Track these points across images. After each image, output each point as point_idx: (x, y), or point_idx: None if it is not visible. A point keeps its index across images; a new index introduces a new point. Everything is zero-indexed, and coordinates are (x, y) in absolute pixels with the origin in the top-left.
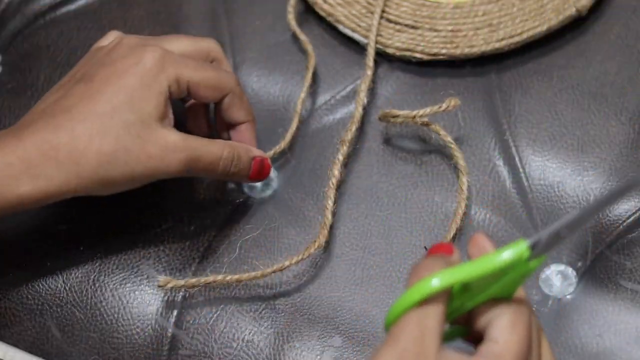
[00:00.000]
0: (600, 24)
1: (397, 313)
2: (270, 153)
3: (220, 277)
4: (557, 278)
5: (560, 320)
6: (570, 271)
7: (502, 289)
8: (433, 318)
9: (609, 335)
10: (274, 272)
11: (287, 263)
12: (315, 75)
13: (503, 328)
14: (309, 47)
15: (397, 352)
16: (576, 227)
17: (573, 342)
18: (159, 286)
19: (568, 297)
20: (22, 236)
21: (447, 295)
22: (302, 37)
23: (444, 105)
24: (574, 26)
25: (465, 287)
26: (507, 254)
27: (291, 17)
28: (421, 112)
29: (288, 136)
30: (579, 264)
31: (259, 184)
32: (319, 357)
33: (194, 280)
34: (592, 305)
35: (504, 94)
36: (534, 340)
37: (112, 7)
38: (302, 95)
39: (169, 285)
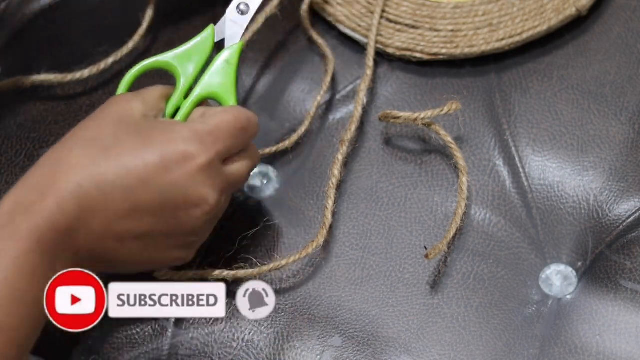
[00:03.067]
0: (600, 24)
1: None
2: (273, 149)
3: (217, 272)
4: (557, 278)
5: (560, 320)
6: (570, 271)
7: (218, 86)
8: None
9: (609, 335)
10: (270, 270)
11: (284, 262)
12: (333, 80)
13: (219, 110)
14: (328, 51)
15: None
16: None
17: (573, 342)
18: (155, 277)
19: (568, 297)
20: None
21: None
22: (320, 40)
23: (446, 109)
24: (574, 26)
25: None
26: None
27: (307, 22)
28: (422, 114)
29: (294, 136)
30: (579, 264)
31: (259, 184)
32: (319, 357)
33: (190, 273)
34: (592, 305)
35: (504, 94)
36: (248, 132)
37: (112, 7)
38: (319, 98)
39: (166, 277)
